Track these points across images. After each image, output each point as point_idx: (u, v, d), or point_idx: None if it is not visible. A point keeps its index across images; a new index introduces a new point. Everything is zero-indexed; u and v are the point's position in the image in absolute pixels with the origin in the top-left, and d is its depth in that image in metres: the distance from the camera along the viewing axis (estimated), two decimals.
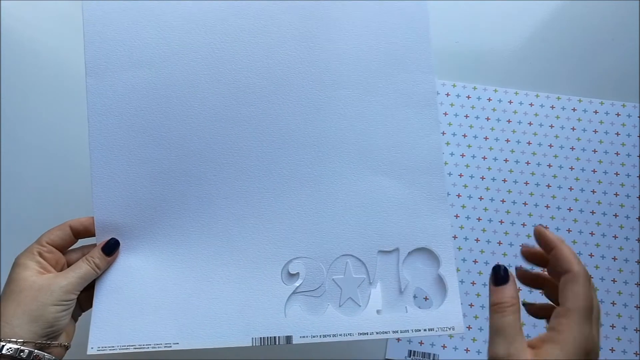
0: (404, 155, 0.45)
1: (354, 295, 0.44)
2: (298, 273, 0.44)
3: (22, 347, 0.38)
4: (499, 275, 0.37)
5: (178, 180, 0.45)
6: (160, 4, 0.45)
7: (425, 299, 0.45)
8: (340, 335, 0.42)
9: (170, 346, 0.42)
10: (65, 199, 0.63)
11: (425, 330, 0.42)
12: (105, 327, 0.43)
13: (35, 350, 0.39)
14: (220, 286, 0.44)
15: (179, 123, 0.45)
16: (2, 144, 0.64)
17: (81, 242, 0.46)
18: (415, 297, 0.44)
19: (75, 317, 0.44)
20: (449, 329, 0.42)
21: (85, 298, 0.44)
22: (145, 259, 0.44)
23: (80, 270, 0.42)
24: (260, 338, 0.42)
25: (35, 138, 0.65)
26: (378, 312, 0.43)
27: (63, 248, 0.44)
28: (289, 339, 0.42)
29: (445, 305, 0.43)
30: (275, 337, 0.42)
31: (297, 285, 0.44)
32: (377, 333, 0.42)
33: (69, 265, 0.44)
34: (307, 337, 0.42)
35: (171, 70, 0.45)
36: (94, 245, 0.45)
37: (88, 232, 0.45)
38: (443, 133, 0.65)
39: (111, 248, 0.44)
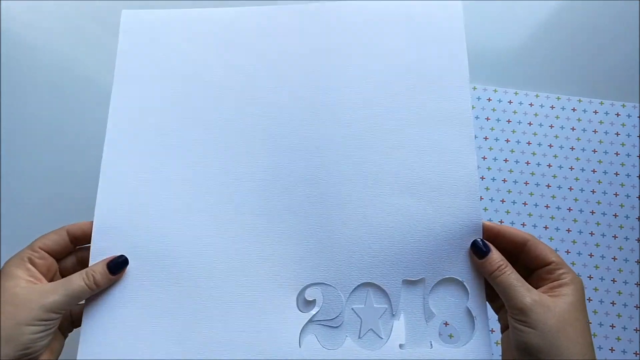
0: (436, 176, 0.41)
1: (375, 326, 0.40)
2: (315, 300, 0.40)
3: None
4: (481, 247, 0.39)
5: (190, 193, 0.41)
6: (196, 15, 0.44)
7: (451, 336, 0.41)
8: None
9: None
10: (65, 201, 0.61)
11: None
12: (96, 347, 0.38)
13: None
14: (230, 309, 0.39)
15: (199, 135, 0.42)
16: (2, 144, 0.63)
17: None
18: (440, 332, 0.40)
19: (64, 331, 0.39)
20: None
21: (79, 312, 0.39)
22: (145, 272, 0.40)
23: (73, 286, 0.36)
24: None
25: (34, 138, 0.63)
26: (401, 346, 0.39)
27: (58, 255, 0.39)
28: None
29: (473, 342, 0.39)
30: None
31: (314, 313, 0.39)
32: None
33: (61, 273, 0.39)
34: None
35: (199, 84, 0.43)
36: (89, 249, 0.39)
37: (87, 239, 0.40)
38: None
39: (119, 267, 0.38)
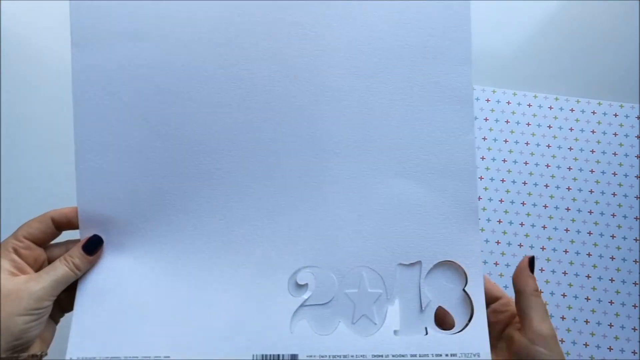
0: (433, 157, 0.39)
1: (369, 312, 0.38)
2: (307, 284, 0.38)
3: None
4: (534, 265, 0.38)
5: (176, 173, 0.38)
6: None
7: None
8: (352, 356, 0.37)
9: (161, 359, 0.37)
10: (65, 199, 0.63)
11: (447, 355, 0.37)
12: (86, 334, 0.37)
13: None
14: (220, 295, 0.38)
15: (179, 107, 0.38)
16: (2, 143, 0.62)
17: (67, 235, 0.40)
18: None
19: (55, 318, 0.38)
20: (474, 355, 0.37)
21: (66, 298, 0.38)
22: (136, 259, 0.39)
23: (56, 272, 0.36)
24: (262, 355, 0.37)
25: (34, 138, 0.63)
26: (395, 332, 0.38)
27: (44, 242, 0.38)
28: (294, 357, 0.37)
29: (470, 328, 0.37)
30: (279, 355, 0.37)
31: (306, 297, 0.38)
32: (393, 356, 0.37)
33: (50, 262, 0.38)
34: (314, 356, 0.37)
35: (172, 45, 0.38)
36: (79, 240, 0.38)
37: (71, 225, 0.38)
38: None
39: (93, 246, 0.37)
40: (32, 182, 0.63)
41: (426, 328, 0.38)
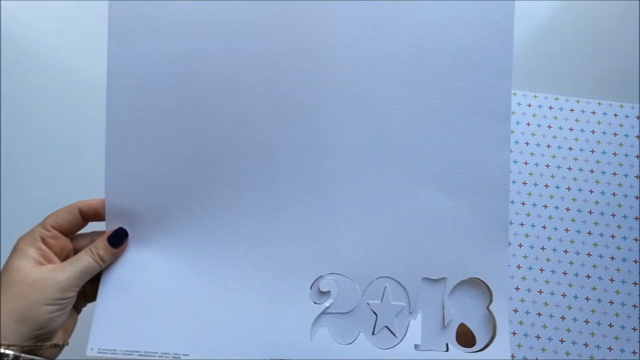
0: (466, 171, 0.38)
1: (390, 324, 0.38)
2: (329, 291, 0.38)
3: (5, 352, 0.32)
4: None
5: (204, 170, 0.38)
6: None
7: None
8: None
9: (180, 357, 0.37)
10: (65, 200, 0.63)
11: None
12: (108, 327, 0.37)
13: (22, 355, 0.33)
14: (242, 296, 0.38)
15: (212, 105, 0.38)
16: (2, 143, 0.62)
17: (93, 226, 0.40)
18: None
19: (78, 308, 0.38)
20: None
21: (91, 289, 0.38)
22: (160, 254, 0.38)
23: (81, 263, 0.36)
24: None
25: (35, 138, 0.63)
26: (416, 346, 0.37)
27: (70, 232, 0.38)
28: None
29: (492, 348, 0.37)
30: None
31: (327, 305, 0.38)
32: None
33: (75, 252, 0.38)
34: None
35: (206, 42, 0.38)
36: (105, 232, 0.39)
37: (98, 216, 0.38)
38: None
39: (118, 239, 0.38)
40: (30, 182, 0.62)
41: (447, 344, 0.38)
